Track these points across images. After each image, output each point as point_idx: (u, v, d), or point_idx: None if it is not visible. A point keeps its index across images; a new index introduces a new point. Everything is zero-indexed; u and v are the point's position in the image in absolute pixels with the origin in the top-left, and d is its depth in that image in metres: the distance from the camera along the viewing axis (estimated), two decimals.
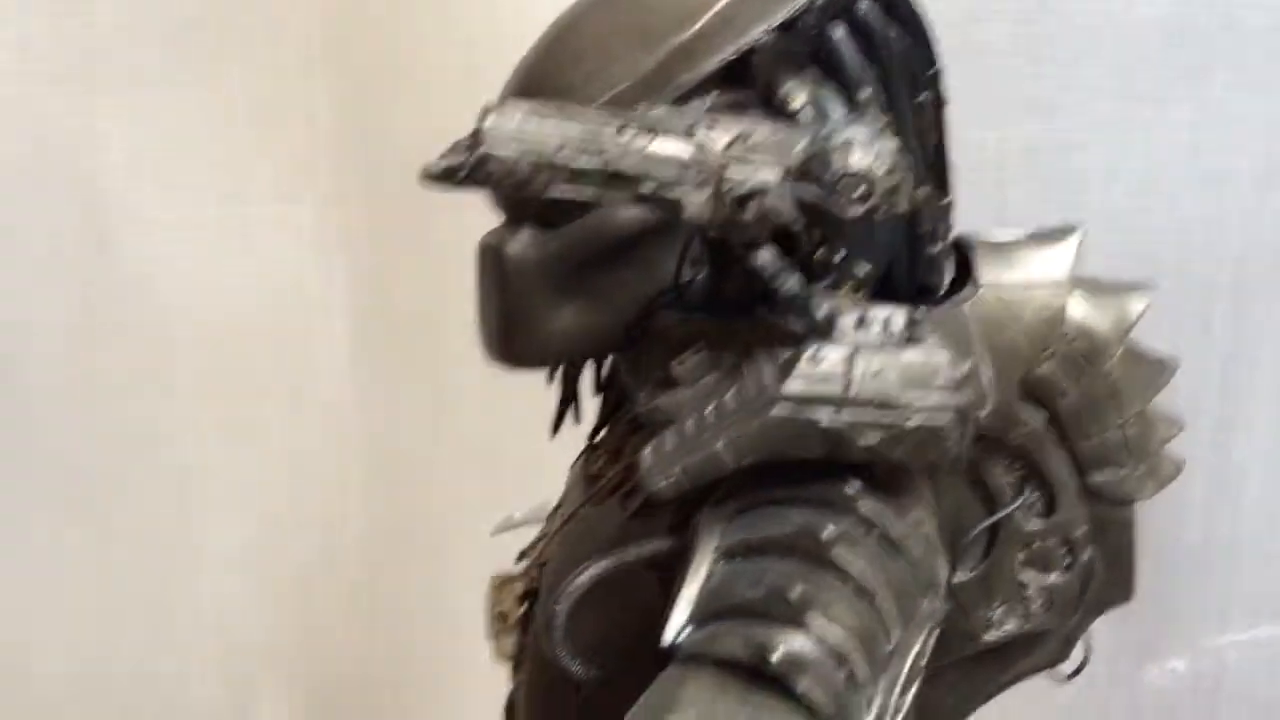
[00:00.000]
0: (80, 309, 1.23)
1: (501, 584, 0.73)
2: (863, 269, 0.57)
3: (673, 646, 0.51)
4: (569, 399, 0.72)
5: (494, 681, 0.77)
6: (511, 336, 0.61)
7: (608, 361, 0.70)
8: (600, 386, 0.72)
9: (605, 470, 0.69)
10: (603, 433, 0.73)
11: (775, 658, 0.48)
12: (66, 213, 1.20)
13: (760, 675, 0.48)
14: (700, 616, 0.52)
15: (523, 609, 0.72)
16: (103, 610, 1.31)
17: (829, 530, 0.51)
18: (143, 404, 1.26)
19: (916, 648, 0.52)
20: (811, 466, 0.53)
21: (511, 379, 1.35)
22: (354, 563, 1.38)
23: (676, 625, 0.52)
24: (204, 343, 1.27)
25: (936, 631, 0.55)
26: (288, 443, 1.32)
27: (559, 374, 0.71)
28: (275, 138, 1.25)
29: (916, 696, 0.54)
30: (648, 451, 0.55)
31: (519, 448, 1.34)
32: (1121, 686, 1.45)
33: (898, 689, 0.50)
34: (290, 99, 1.24)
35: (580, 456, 0.74)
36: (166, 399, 1.27)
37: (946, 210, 0.63)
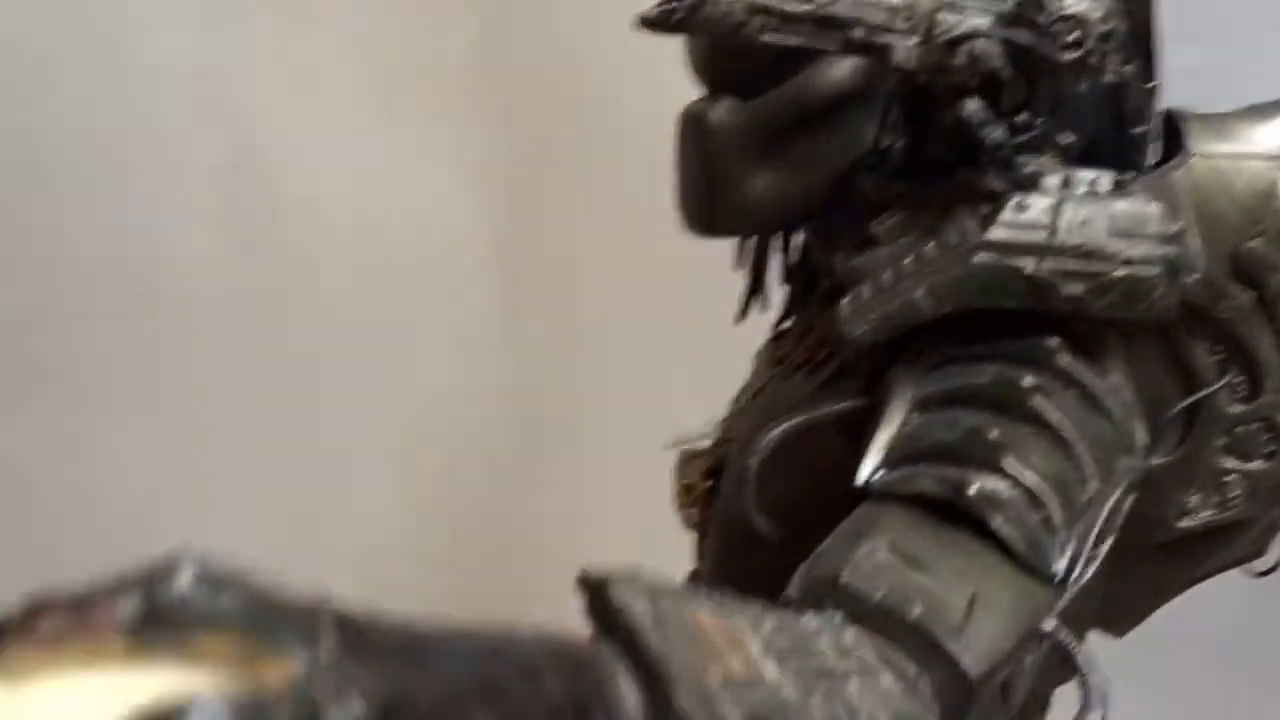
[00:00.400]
0: (235, 234, 1.24)
1: (689, 458, 0.75)
2: (1066, 138, 0.56)
3: (865, 488, 0.52)
4: (757, 285, 0.73)
5: None
6: (710, 204, 0.63)
7: (796, 249, 0.71)
8: (789, 274, 0.73)
9: (794, 349, 0.70)
10: (787, 323, 0.74)
11: (971, 492, 0.48)
12: (222, 140, 1.21)
13: (954, 514, 0.49)
14: (894, 460, 0.52)
15: (708, 484, 0.74)
16: (254, 520, 1.34)
17: (1028, 380, 0.51)
18: (293, 327, 1.27)
19: (1112, 500, 0.51)
20: (1011, 322, 0.54)
21: (651, 304, 1.35)
22: (489, 483, 1.39)
23: (870, 467, 0.53)
24: (351, 267, 1.28)
25: (1133, 494, 0.54)
26: (428, 362, 1.33)
27: (749, 261, 0.72)
28: (425, 62, 1.26)
29: (1106, 588, 0.54)
30: (845, 302, 0.56)
31: (657, 375, 1.36)
32: None
33: (1092, 537, 0.50)
34: (440, 23, 1.25)
35: (766, 343, 0.75)
36: (315, 322, 1.27)
37: (1151, 94, 0.62)
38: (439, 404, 1.36)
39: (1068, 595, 0.50)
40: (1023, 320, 0.53)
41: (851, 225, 0.60)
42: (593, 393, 1.36)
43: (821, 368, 0.64)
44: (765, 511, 0.61)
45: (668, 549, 0.71)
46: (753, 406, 0.70)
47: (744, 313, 0.75)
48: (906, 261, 0.54)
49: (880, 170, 0.60)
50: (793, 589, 0.47)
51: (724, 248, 1.41)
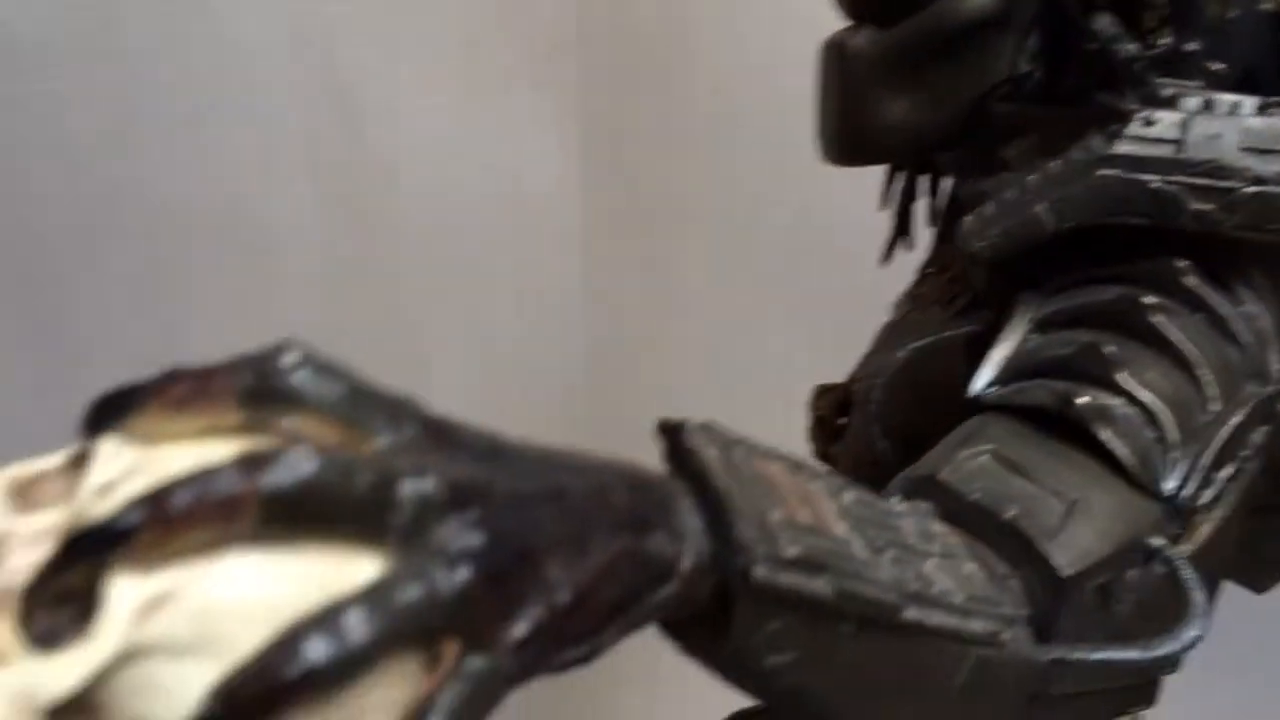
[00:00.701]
0: (330, 197, 1.24)
1: (822, 392, 0.76)
2: (1216, 65, 0.55)
3: (976, 402, 0.53)
4: (903, 227, 0.74)
5: None
6: (847, 132, 0.64)
7: (944, 192, 0.72)
8: (935, 216, 0.74)
9: (931, 288, 0.71)
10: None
11: (1079, 403, 0.48)
12: (319, 103, 1.21)
13: (1063, 427, 0.49)
14: (1007, 376, 0.53)
15: (840, 419, 0.76)
16: None
17: (1150, 299, 0.51)
18: (384, 291, 1.27)
19: (1234, 423, 0.50)
20: (1138, 243, 0.53)
21: (738, 278, 1.32)
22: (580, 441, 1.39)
23: (983, 381, 0.53)
24: (438, 231, 1.27)
25: (1265, 428, 0.53)
26: (513, 327, 1.33)
27: (895, 205, 0.73)
28: (516, 24, 1.25)
29: (1242, 533, 0.53)
30: (968, 218, 0.56)
31: (748, 340, 1.35)
32: None
33: (1208, 459, 0.49)
34: None
35: (909, 287, 0.76)
36: (406, 287, 1.27)
37: None
38: (523, 370, 1.35)
39: (1184, 522, 0.49)
40: (1150, 241, 0.53)
41: (984, 153, 0.60)
42: (682, 359, 1.35)
43: (956, 300, 0.65)
44: (888, 436, 0.62)
45: None
46: (886, 341, 0.71)
47: (889, 254, 0.76)
48: (1031, 178, 0.54)
49: (1016, 97, 0.60)
50: (890, 487, 0.48)
51: (814, 209, 1.39)
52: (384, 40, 1.21)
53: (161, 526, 0.25)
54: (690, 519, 0.33)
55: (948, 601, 0.39)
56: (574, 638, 0.30)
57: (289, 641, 0.25)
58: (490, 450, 0.31)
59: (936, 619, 0.38)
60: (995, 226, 0.55)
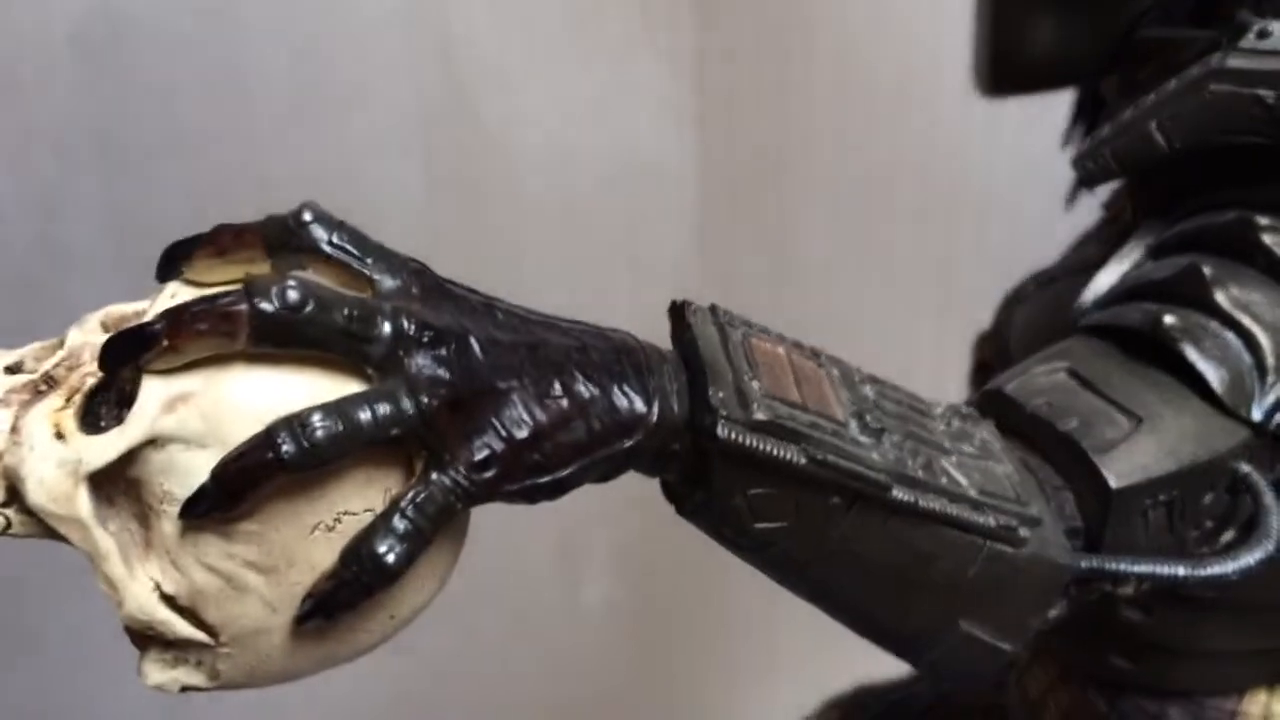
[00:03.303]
0: (439, 168, 1.21)
1: (985, 338, 0.75)
2: None
3: (1075, 324, 0.52)
4: None
5: None
6: (996, 58, 0.64)
7: None
8: None
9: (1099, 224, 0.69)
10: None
11: (1168, 321, 0.47)
12: (429, 72, 1.18)
13: (1153, 348, 0.48)
14: (1108, 300, 0.52)
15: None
16: None
17: (1264, 219, 0.49)
18: (496, 266, 1.18)
19: None
20: (1257, 170, 0.51)
21: (861, 249, 1.23)
22: None
23: (1083, 302, 0.52)
24: (553, 206, 1.24)
25: None
26: (628, 300, 1.27)
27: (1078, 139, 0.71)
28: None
29: None
30: (1084, 141, 0.55)
31: (867, 322, 1.28)
32: None
33: None
34: None
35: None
36: (513, 261, 1.24)
37: None
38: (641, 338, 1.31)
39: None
40: (1274, 162, 0.50)
41: (1129, 78, 0.59)
42: (800, 335, 1.29)
43: (1110, 233, 0.63)
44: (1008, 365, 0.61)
45: None
46: (1036, 276, 0.70)
47: (1073, 198, 0.74)
48: (1148, 98, 0.53)
49: (1165, 21, 0.58)
50: (970, 400, 0.49)
51: (939, 176, 1.31)
52: (496, 10, 1.18)
53: (176, 333, 0.31)
54: (668, 382, 0.37)
55: (955, 492, 0.39)
56: (533, 469, 0.34)
57: (265, 436, 0.31)
58: (482, 306, 0.36)
59: (933, 504, 0.39)
60: (1106, 146, 0.54)
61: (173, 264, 0.35)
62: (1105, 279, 0.53)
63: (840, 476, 0.37)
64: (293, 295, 0.32)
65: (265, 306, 0.32)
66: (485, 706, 1.32)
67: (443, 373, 0.33)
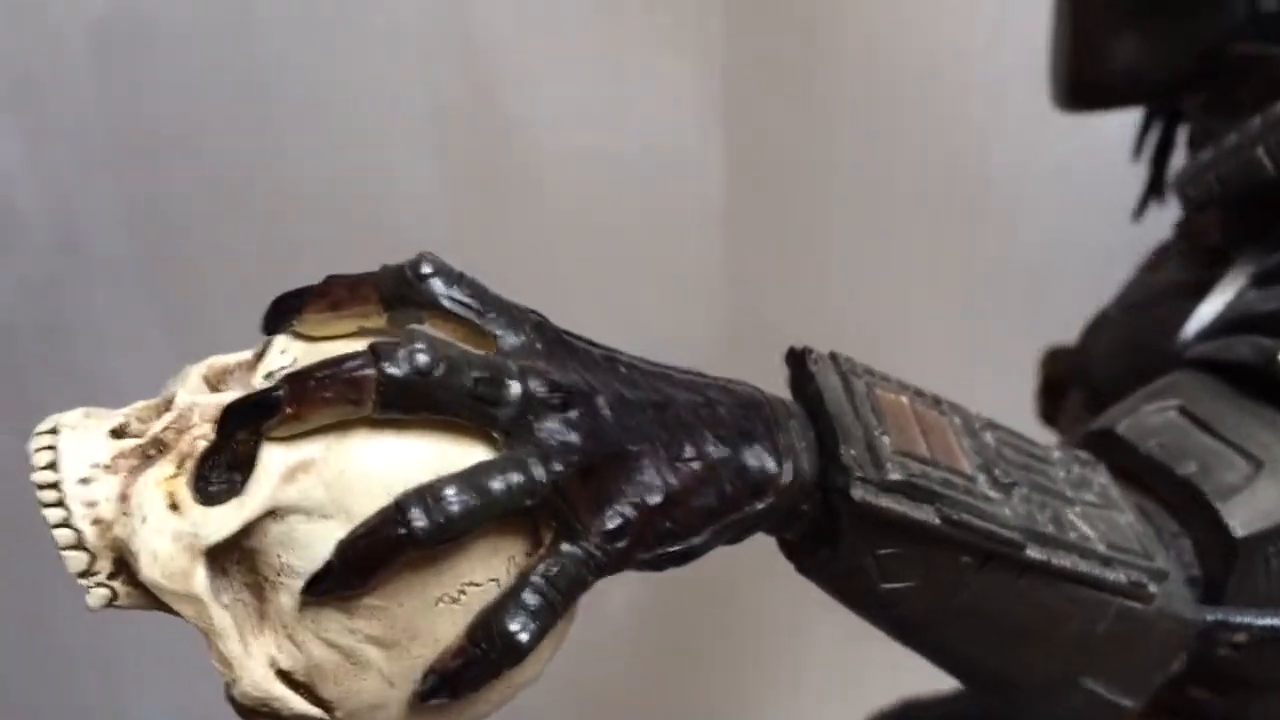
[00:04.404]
0: (459, 166, 1.19)
1: (1053, 355, 0.74)
2: None
3: (1178, 356, 0.50)
4: (1157, 181, 0.70)
5: None
6: (1077, 71, 0.62)
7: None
8: None
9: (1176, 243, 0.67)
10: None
11: None
12: (449, 69, 1.16)
13: (1267, 385, 0.46)
14: (1214, 331, 0.50)
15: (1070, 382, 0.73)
16: None
17: None
18: (511, 259, 1.17)
19: None
20: None
21: (889, 248, 1.20)
22: None
23: (1188, 335, 0.51)
24: (576, 201, 1.21)
25: None
26: (654, 297, 1.26)
27: (1150, 158, 0.70)
28: None
29: None
30: (1185, 164, 0.53)
31: (896, 323, 1.26)
32: None
33: None
34: None
35: (1160, 243, 0.72)
36: (536, 256, 1.21)
37: None
38: (661, 345, 1.22)
39: None
40: None
41: (1222, 96, 0.57)
42: (828, 335, 1.25)
43: (1189, 257, 0.61)
44: (1103, 404, 0.60)
45: None
46: (1116, 302, 0.68)
47: (1141, 209, 0.72)
48: (1254, 121, 0.51)
49: (1259, 37, 0.56)
50: (1074, 439, 0.47)
51: (970, 174, 1.28)
52: (518, 4, 1.15)
53: (300, 400, 0.30)
54: (798, 439, 0.35)
55: (1084, 547, 0.38)
56: (665, 537, 0.32)
57: (395, 510, 0.29)
58: (604, 360, 0.34)
59: (1065, 561, 0.37)
60: (1211, 172, 0.52)
61: (281, 316, 0.33)
62: (1208, 309, 0.51)
63: (975, 536, 0.36)
64: (422, 359, 0.30)
65: (394, 372, 0.30)
66: (511, 711, 1.31)
67: (574, 438, 0.31)
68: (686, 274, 1.28)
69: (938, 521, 0.35)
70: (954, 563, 0.36)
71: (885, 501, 0.34)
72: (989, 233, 1.31)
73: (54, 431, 0.32)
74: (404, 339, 0.30)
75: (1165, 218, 0.66)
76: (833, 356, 0.38)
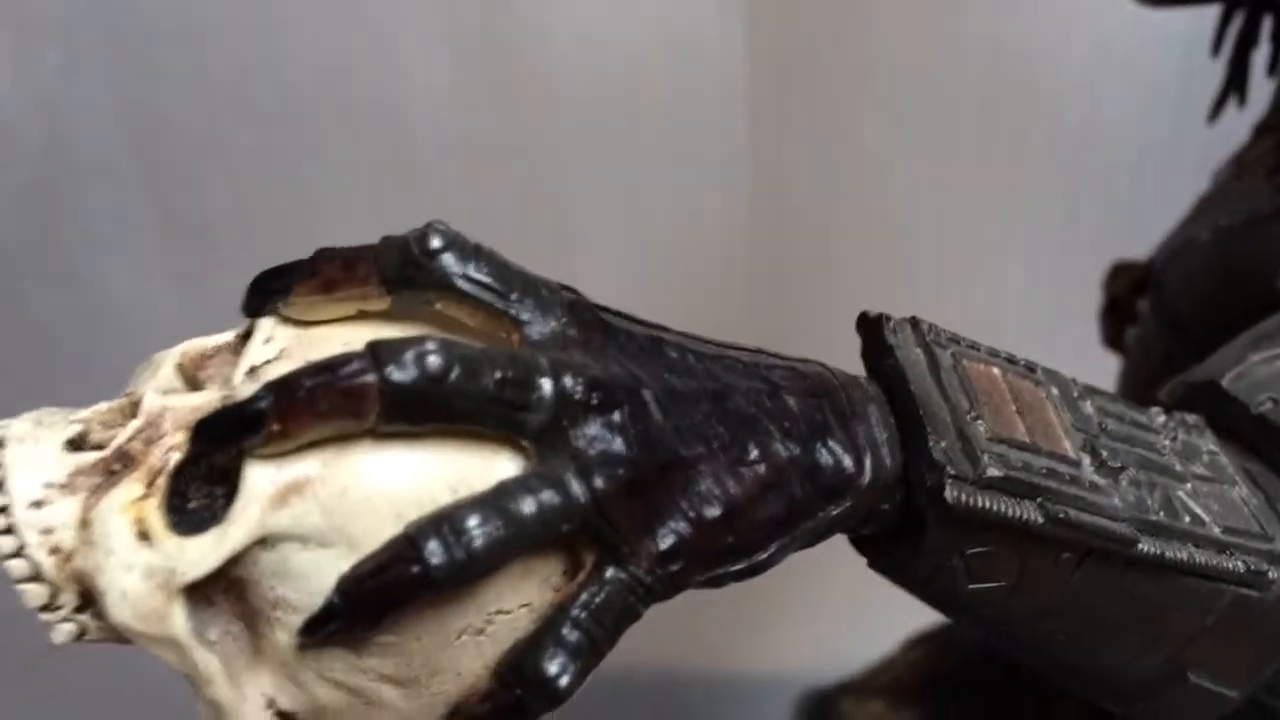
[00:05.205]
0: (469, 64, 1.14)
1: (1118, 270, 0.68)
2: None
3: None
4: (1237, 78, 0.64)
5: None
6: None
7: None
8: (1273, 67, 0.63)
9: (1263, 150, 0.61)
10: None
11: None
12: None
13: None
14: None
15: (1136, 300, 0.67)
16: None
17: None
18: (529, 163, 1.16)
19: None
20: None
21: (924, 140, 1.15)
22: (736, 330, 1.25)
23: None
24: (594, 101, 1.15)
25: None
26: (672, 206, 1.21)
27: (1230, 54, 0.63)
28: None
29: None
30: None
31: (930, 222, 1.20)
32: None
33: None
34: None
35: (1238, 149, 0.66)
36: (553, 159, 1.16)
37: None
38: (681, 247, 1.23)
39: None
40: None
41: None
42: (858, 234, 1.19)
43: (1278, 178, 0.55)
44: (1180, 331, 0.54)
45: None
46: (1195, 215, 0.62)
47: (1217, 110, 0.66)
48: None
49: None
50: (1163, 394, 0.42)
51: (1012, 59, 1.21)
52: None
53: (287, 414, 0.24)
54: (878, 429, 0.30)
55: (1199, 534, 0.33)
56: (726, 554, 0.28)
57: (407, 543, 0.25)
58: (649, 344, 0.29)
59: (1180, 554, 0.32)
60: None
61: (264, 296, 0.28)
62: None
63: (1082, 534, 0.31)
64: (434, 362, 0.25)
65: (399, 378, 0.24)
66: None
67: (618, 446, 0.26)
68: (708, 168, 1.21)
69: (1042, 520, 0.30)
70: (1053, 559, 0.31)
71: (983, 501, 0.29)
72: (1031, 119, 1.23)
73: (0, 444, 0.27)
74: (411, 339, 0.25)
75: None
76: (913, 323, 0.33)
